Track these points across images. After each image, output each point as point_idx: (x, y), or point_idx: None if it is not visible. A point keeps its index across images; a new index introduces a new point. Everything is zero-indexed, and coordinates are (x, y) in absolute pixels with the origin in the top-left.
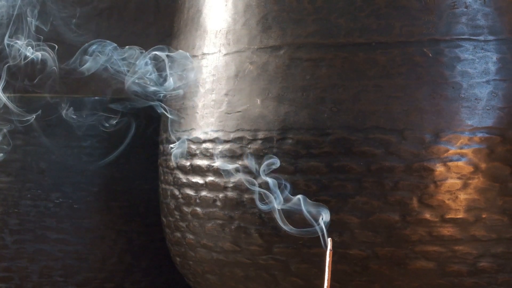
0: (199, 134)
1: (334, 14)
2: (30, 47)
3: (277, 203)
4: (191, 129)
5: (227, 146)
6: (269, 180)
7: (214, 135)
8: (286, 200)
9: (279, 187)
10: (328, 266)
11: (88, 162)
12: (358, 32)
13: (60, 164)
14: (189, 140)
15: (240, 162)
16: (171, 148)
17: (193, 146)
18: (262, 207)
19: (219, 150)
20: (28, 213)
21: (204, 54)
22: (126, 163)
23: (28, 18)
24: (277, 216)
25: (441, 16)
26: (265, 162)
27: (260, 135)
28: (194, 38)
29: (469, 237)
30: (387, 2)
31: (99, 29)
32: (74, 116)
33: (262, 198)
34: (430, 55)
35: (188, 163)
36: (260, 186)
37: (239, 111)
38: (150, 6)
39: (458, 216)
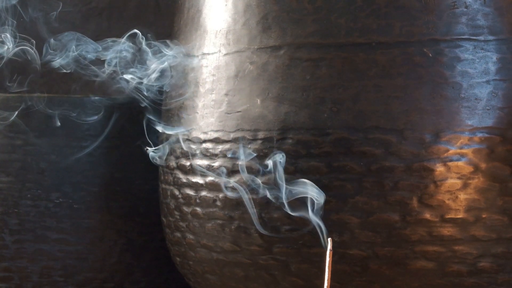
0: (199, 134)
1: (334, 14)
2: (18, 45)
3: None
4: (191, 129)
5: (227, 146)
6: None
7: (214, 135)
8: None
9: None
10: (328, 266)
11: (88, 162)
12: (358, 32)
13: (60, 164)
14: (189, 140)
15: (240, 163)
16: (147, 149)
17: (193, 146)
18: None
19: (219, 150)
20: (28, 213)
21: (204, 54)
22: (126, 163)
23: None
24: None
25: (441, 16)
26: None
27: (260, 135)
28: (194, 38)
29: (469, 237)
30: (387, 2)
31: (99, 29)
32: (54, 115)
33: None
34: (430, 55)
35: (188, 163)
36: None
37: (239, 111)
38: (150, 6)
39: (458, 216)
